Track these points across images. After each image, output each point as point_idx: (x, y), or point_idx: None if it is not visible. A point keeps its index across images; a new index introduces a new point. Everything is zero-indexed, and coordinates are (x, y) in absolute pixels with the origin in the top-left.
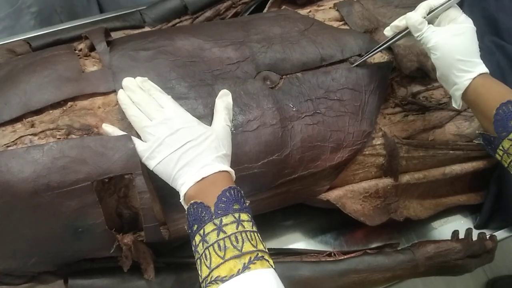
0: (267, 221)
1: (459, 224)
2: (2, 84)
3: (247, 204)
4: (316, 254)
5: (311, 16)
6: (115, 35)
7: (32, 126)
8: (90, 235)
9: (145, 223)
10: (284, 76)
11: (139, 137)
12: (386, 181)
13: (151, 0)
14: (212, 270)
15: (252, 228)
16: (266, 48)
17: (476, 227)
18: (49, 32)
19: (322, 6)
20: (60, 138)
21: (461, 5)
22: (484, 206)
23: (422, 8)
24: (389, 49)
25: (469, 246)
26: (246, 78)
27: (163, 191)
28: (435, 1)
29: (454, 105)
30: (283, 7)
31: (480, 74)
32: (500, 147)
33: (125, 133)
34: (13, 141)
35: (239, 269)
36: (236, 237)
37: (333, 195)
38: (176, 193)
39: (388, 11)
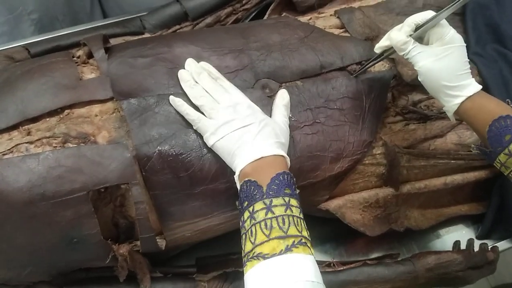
0: None
1: (461, 234)
2: None
3: (298, 192)
4: None
5: (311, 24)
6: (115, 41)
7: (29, 134)
8: (85, 245)
9: (141, 234)
10: (283, 84)
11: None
12: (387, 191)
13: (155, 5)
14: (256, 246)
15: (300, 214)
16: (265, 56)
17: (478, 238)
18: (48, 38)
19: (322, 13)
20: (56, 147)
21: (463, 12)
22: (486, 216)
23: (407, 26)
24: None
25: (471, 258)
26: (245, 86)
27: (161, 199)
28: (420, 16)
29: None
30: (283, 14)
31: (469, 97)
32: (497, 160)
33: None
34: (9, 149)
35: (282, 250)
36: (283, 219)
37: (332, 205)
38: (173, 202)
39: (389, 19)
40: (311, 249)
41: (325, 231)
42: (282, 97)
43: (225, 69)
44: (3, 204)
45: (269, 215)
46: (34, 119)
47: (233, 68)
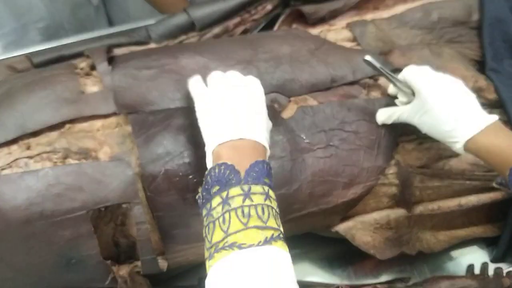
0: None
1: (475, 256)
2: None
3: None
4: None
5: (322, 36)
6: (119, 51)
7: (28, 148)
8: (84, 266)
9: (142, 255)
10: (292, 98)
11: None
12: (399, 212)
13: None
14: (229, 235)
15: (277, 209)
16: (274, 68)
17: (492, 261)
18: (51, 48)
19: (334, 25)
20: (56, 162)
21: (480, 27)
22: (502, 239)
23: (383, 113)
24: None
25: (485, 284)
26: None
27: (164, 221)
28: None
29: None
30: (294, 26)
31: (469, 139)
32: None
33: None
34: (8, 164)
35: (260, 241)
36: (262, 209)
37: (342, 226)
38: (178, 224)
39: (403, 32)
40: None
41: (334, 250)
42: None
43: None
44: (0, 223)
45: (247, 202)
46: (34, 133)
47: None
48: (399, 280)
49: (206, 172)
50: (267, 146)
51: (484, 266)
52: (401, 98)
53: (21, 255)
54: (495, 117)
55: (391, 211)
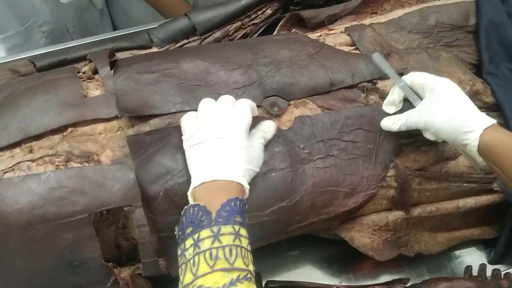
0: (272, 251)
1: (473, 257)
2: (2, 108)
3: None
4: None
5: (321, 40)
6: (121, 55)
7: (31, 151)
8: (86, 269)
9: (144, 258)
10: (291, 102)
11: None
12: (397, 214)
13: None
14: (197, 278)
15: (247, 247)
16: (274, 72)
17: (490, 262)
18: (54, 52)
19: (333, 30)
20: (59, 165)
21: (476, 31)
22: (499, 241)
23: (389, 120)
24: None
25: (483, 285)
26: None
27: (168, 241)
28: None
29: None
30: (293, 30)
31: (485, 129)
32: None
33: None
34: (10, 167)
35: (225, 284)
36: (230, 250)
37: (341, 228)
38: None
39: (401, 36)
40: (255, 286)
41: (333, 251)
42: (268, 126)
43: (233, 85)
44: (2, 226)
45: (216, 244)
46: (37, 137)
47: (241, 84)
48: (398, 282)
49: (182, 212)
50: (243, 183)
51: (482, 268)
52: (395, 105)
53: (23, 258)
54: (494, 121)
55: (390, 213)
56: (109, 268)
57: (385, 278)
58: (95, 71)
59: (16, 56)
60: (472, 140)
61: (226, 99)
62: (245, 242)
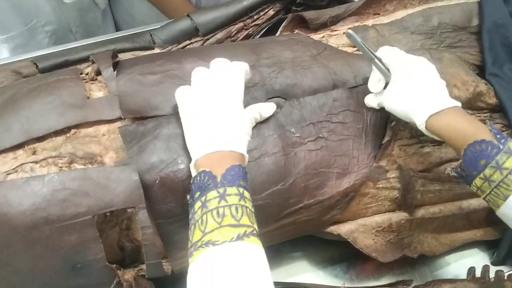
0: (275, 251)
1: (476, 259)
2: (4, 109)
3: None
4: None
5: (324, 41)
6: (124, 56)
7: (34, 153)
8: (90, 270)
9: (147, 260)
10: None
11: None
12: (400, 215)
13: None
14: (205, 234)
15: (252, 208)
16: (277, 73)
17: (493, 263)
18: (56, 52)
19: (335, 31)
20: (62, 167)
21: (479, 32)
22: (502, 242)
23: (370, 97)
24: None
25: (486, 287)
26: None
27: (166, 228)
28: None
29: None
30: (296, 31)
31: (430, 116)
32: (474, 184)
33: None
34: (13, 169)
35: (233, 238)
36: (236, 208)
37: (344, 229)
38: (178, 230)
39: (404, 37)
40: (261, 243)
41: (336, 252)
42: (269, 107)
43: None
44: (6, 228)
45: (222, 203)
46: (40, 138)
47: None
48: (401, 283)
49: (191, 181)
50: (244, 152)
51: (486, 269)
52: (378, 83)
53: (27, 260)
54: (458, 103)
55: (393, 214)
56: (113, 269)
57: (388, 280)
58: (98, 73)
59: (19, 56)
60: (419, 124)
61: (219, 62)
62: (249, 204)
